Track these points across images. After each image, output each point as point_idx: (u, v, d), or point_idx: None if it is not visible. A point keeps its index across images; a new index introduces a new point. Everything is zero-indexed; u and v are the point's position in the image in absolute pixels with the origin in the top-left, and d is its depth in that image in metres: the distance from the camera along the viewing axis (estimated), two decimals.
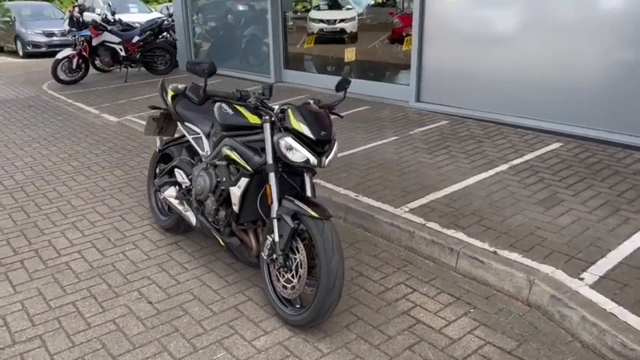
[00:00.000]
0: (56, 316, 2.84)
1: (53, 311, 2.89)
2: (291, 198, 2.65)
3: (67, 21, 10.46)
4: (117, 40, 10.39)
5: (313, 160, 2.59)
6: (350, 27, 8.60)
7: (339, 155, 5.06)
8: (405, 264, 3.34)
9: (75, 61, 10.31)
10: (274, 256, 2.69)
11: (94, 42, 10.22)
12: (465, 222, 3.55)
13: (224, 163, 2.94)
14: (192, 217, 3.34)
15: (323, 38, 8.75)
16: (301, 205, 2.58)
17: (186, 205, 3.41)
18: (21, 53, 16.25)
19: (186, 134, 3.43)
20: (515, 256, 3.10)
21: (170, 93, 3.58)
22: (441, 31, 6.40)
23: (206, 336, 2.65)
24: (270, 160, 2.69)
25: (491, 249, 3.18)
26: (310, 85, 8.51)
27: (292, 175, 2.84)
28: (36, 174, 5.24)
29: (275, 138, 2.64)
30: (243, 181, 2.82)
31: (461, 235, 3.37)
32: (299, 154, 2.58)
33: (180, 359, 2.47)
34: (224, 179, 2.95)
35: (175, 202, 3.50)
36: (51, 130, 7.05)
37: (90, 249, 3.62)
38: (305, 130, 2.59)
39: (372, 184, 4.31)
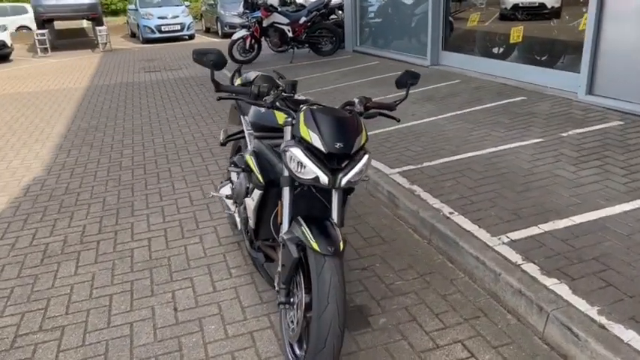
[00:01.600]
0: (88, 308, 2.82)
1: (89, 302, 2.89)
2: (301, 220, 2.14)
3: (242, 3, 11.01)
4: (285, 21, 10.60)
5: (324, 179, 2.05)
6: (552, 0, 7.26)
7: (455, 158, 4.27)
8: (477, 315, 2.58)
9: (248, 41, 10.85)
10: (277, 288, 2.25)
11: (265, 23, 10.58)
12: (577, 270, 2.61)
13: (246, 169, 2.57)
14: (238, 221, 3.05)
15: (509, 15, 7.56)
16: (306, 230, 2.06)
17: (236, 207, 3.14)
18: (220, 34, 17.87)
19: (245, 128, 3.13)
20: (632, 335, 2.14)
21: (237, 81, 3.30)
22: (629, 3, 4.97)
23: None
24: (285, 172, 2.22)
25: (599, 319, 2.25)
26: (470, 69, 7.53)
27: (324, 192, 2.34)
28: (165, 152, 5.52)
29: (282, 146, 2.16)
30: (257, 194, 2.41)
31: (562, 289, 2.47)
32: (306, 169, 2.06)
33: None
34: (249, 187, 2.58)
35: (229, 202, 3.25)
36: (203, 109, 7.45)
37: (160, 237, 3.60)
38: (315, 139, 2.05)
39: (478, 199, 3.50)
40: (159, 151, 5.57)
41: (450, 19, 8.23)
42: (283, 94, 2.36)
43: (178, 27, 16.98)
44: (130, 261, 3.31)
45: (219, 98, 2.37)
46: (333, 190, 2.24)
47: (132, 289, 2.98)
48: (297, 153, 2.07)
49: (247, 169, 2.54)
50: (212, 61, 2.25)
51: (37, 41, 14.57)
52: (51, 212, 4.11)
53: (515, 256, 2.78)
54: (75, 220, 3.95)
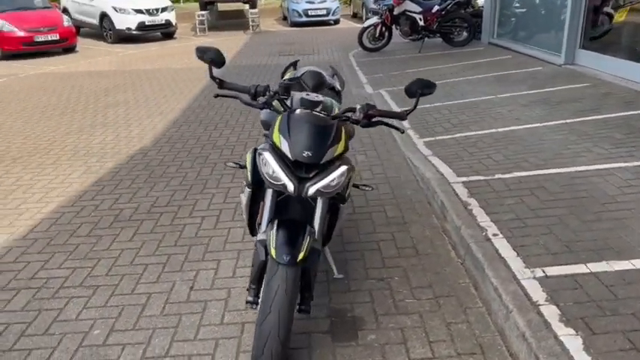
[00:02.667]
0: (124, 273, 3.13)
1: (128, 267, 3.19)
2: (275, 224, 2.13)
3: None
4: (417, 9, 10.29)
5: (290, 186, 2.01)
6: None
7: (534, 173, 3.84)
8: (474, 352, 2.34)
9: (378, 29, 10.76)
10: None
11: (396, 11, 10.39)
12: (605, 324, 2.22)
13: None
14: None
15: None
16: (272, 235, 2.05)
17: None
18: (364, 19, 17.91)
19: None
20: None
21: (287, 75, 3.33)
22: None
23: None
24: None
25: None
26: (607, 72, 6.62)
27: (311, 198, 2.29)
28: (258, 135, 5.79)
29: (258, 150, 2.15)
30: (247, 192, 2.43)
31: (573, 343, 2.13)
32: (274, 175, 2.03)
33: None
34: None
35: None
36: None
37: (212, 217, 3.83)
38: (284, 145, 2.02)
39: (534, 223, 3.13)
40: (253, 134, 5.86)
41: (608, 11, 7.22)
42: (277, 95, 2.34)
43: (324, 11, 17.40)
44: (178, 235, 3.58)
45: (217, 95, 2.44)
46: (319, 197, 2.21)
47: (166, 262, 3.24)
48: (268, 158, 2.06)
49: (243, 166, 2.58)
50: (211, 58, 2.31)
51: (197, 21, 16.05)
52: (138, 181, 4.59)
53: (539, 294, 2.46)
54: (153, 190, 4.37)
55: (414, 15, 10.30)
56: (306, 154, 2.01)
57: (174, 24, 15.27)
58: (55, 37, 12.50)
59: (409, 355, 2.34)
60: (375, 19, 10.73)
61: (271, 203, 2.23)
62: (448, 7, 10.20)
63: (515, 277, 2.62)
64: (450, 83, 7.26)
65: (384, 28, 10.73)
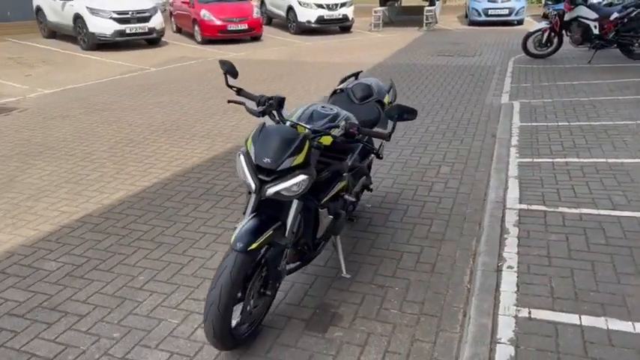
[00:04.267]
0: (213, 233, 3.78)
1: (214, 229, 3.84)
2: (250, 216, 2.49)
3: None
4: (592, 15, 9.33)
5: (251, 186, 2.35)
6: None
7: (610, 213, 3.49)
8: None
9: (546, 34, 10.04)
10: None
11: (567, 16, 9.58)
12: None
13: None
14: None
15: None
16: (241, 225, 2.42)
17: None
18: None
19: None
20: None
21: (341, 85, 3.58)
22: None
23: None
24: None
25: None
26: None
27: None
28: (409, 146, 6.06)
29: (238, 152, 2.50)
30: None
31: None
32: (242, 175, 2.38)
33: None
34: None
35: None
36: (446, 104, 7.58)
37: None
38: (251, 150, 2.35)
39: (562, 264, 2.95)
40: None
41: None
42: (270, 107, 2.65)
43: (506, 11, 16.52)
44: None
45: (229, 101, 2.82)
46: (294, 200, 2.51)
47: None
48: (239, 160, 2.42)
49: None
50: (226, 70, 2.71)
51: (373, 17, 16.63)
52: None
53: (506, 333, 2.42)
54: None
55: (588, 22, 9.37)
56: (266, 160, 2.33)
57: (350, 18, 16.06)
58: (245, 26, 14.19)
59: (360, 357, 2.53)
60: (543, 24, 10.03)
61: (253, 200, 2.58)
62: (631, 15, 9.05)
63: (495, 312, 2.58)
64: (593, 102, 6.60)
65: (552, 34, 9.97)
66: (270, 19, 17.76)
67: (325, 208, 2.69)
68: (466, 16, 19.23)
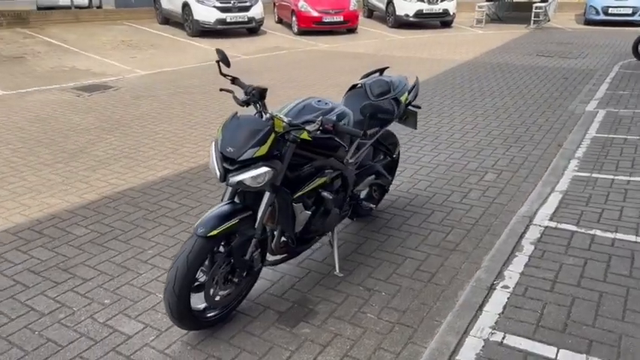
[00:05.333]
0: None
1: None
2: (226, 203, 2.54)
3: None
4: None
5: (216, 173, 2.40)
6: None
7: (635, 239, 3.08)
8: None
9: None
10: None
11: None
12: None
13: None
14: None
15: None
16: (211, 210, 2.48)
17: None
18: None
19: None
20: None
21: (359, 81, 3.49)
22: None
23: None
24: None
25: None
26: None
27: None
28: (462, 149, 5.83)
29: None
30: None
31: None
32: (210, 163, 2.42)
33: None
34: None
35: None
36: (512, 109, 7.09)
37: None
38: (219, 139, 2.38)
39: (565, 291, 2.67)
40: (455, 147, 5.96)
41: None
42: (252, 98, 2.65)
43: (629, 10, 14.89)
44: None
45: (221, 89, 2.85)
46: (265, 192, 2.53)
47: None
48: (212, 147, 2.47)
49: None
50: (220, 59, 2.75)
51: (476, 12, 15.86)
52: None
53: (467, 356, 2.25)
54: None
55: None
56: (229, 149, 2.36)
57: (452, 13, 15.47)
58: (340, 18, 14.26)
59: (317, 357, 2.49)
60: None
61: (232, 190, 2.62)
62: None
63: (467, 332, 2.41)
64: None
65: None
66: (371, 12, 17.65)
67: (300, 203, 2.67)
68: (584, 14, 17.69)
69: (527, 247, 3.15)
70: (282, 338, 2.62)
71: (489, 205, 4.02)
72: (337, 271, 3.09)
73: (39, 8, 17.72)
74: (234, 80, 2.78)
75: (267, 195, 2.54)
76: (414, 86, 3.61)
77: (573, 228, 3.36)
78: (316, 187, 2.72)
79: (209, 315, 2.63)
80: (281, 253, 2.89)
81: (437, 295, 2.93)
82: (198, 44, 12.73)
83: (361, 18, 16.38)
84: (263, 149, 2.36)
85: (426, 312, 2.79)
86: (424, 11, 15.18)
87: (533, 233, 3.32)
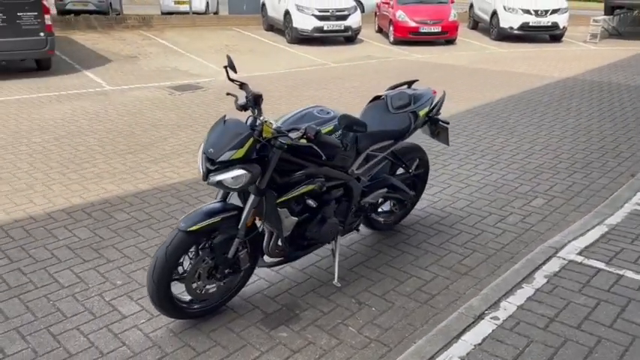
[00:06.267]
0: None
1: None
2: (217, 201, 2.67)
3: None
4: None
5: (200, 172, 2.52)
6: None
7: None
8: None
9: None
10: None
11: None
12: None
13: None
14: None
15: None
16: (198, 207, 2.61)
17: None
18: None
19: None
20: None
21: (384, 92, 3.44)
22: None
23: None
24: None
25: None
26: None
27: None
28: (519, 171, 5.55)
29: None
30: None
31: None
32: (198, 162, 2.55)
33: None
34: None
35: None
36: (594, 129, 6.49)
37: None
38: (205, 139, 2.50)
39: (560, 331, 2.45)
40: (512, 167, 5.69)
41: None
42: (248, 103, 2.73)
43: None
44: None
45: (227, 94, 2.94)
46: (251, 194, 2.62)
47: None
48: (200, 148, 2.60)
49: None
50: (228, 65, 2.85)
51: (590, 26, 14.64)
52: None
53: None
54: None
55: None
56: (210, 150, 2.47)
57: (562, 27, 14.47)
58: (438, 29, 13.96)
59: None
60: None
61: (221, 191, 2.75)
62: None
63: (432, 359, 2.30)
64: None
65: None
66: (476, 24, 17.06)
67: (285, 208, 2.72)
68: None
69: (539, 280, 2.91)
70: (258, 338, 2.69)
71: (524, 232, 3.76)
72: (335, 280, 3.09)
73: (162, 13, 19.47)
74: (242, 85, 2.90)
75: (251, 197, 2.63)
76: (440, 101, 3.50)
77: (601, 265, 3.05)
78: (302, 194, 2.75)
79: (195, 307, 2.77)
80: (276, 256, 2.96)
81: (427, 318, 2.82)
82: (294, 51, 13.17)
83: (464, 29, 15.92)
84: (240, 152, 2.46)
85: (409, 333, 2.70)
86: (530, 24, 14.35)
87: (552, 266, 3.06)
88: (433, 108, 3.43)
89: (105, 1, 17.83)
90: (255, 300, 3.00)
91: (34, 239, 3.68)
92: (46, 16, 9.24)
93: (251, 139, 2.49)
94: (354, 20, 14.03)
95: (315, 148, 2.60)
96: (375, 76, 10.06)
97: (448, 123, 3.62)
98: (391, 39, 14.43)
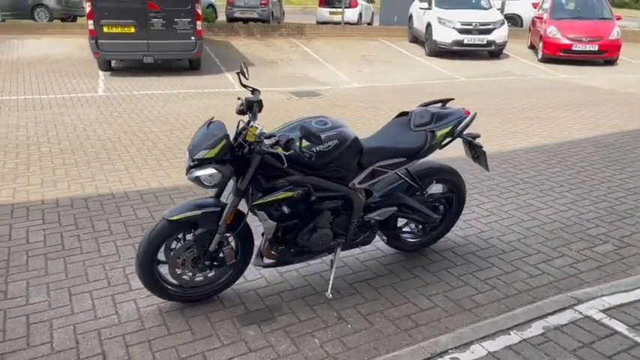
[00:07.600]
0: None
1: None
2: (205, 197, 2.86)
3: None
4: None
5: (185, 167, 2.70)
6: None
7: None
8: None
9: None
10: None
11: None
12: None
13: None
14: None
15: None
16: (187, 200, 2.83)
17: None
18: None
19: None
20: None
21: (415, 108, 3.30)
22: None
23: None
24: None
25: None
26: None
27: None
28: (605, 210, 4.98)
29: None
30: None
31: None
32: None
33: None
34: None
35: None
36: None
37: None
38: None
39: None
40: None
41: None
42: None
43: None
44: None
45: (239, 98, 3.04)
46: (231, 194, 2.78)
47: None
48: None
49: None
50: (240, 71, 2.98)
51: None
52: None
53: None
54: None
55: None
56: (189, 147, 2.67)
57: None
58: (594, 47, 12.59)
59: (236, 357, 2.60)
60: None
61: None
62: None
63: None
64: None
65: None
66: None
67: (262, 212, 2.79)
68: None
69: (534, 330, 2.57)
70: (226, 332, 2.81)
71: (564, 278, 3.33)
72: (328, 292, 3.08)
73: (318, 23, 20.51)
74: (254, 91, 3.05)
75: (230, 197, 2.77)
76: (465, 121, 3.27)
77: (621, 328, 2.58)
78: (278, 199, 2.80)
79: (178, 292, 2.99)
80: (270, 257, 3.05)
81: (398, 346, 2.68)
82: (429, 63, 12.95)
83: (628, 49, 14.11)
84: (211, 152, 2.61)
85: (370, 356, 2.60)
86: None
87: (560, 318, 2.67)
88: (456, 128, 3.22)
89: (267, 10, 19.40)
90: (245, 296, 3.13)
91: (104, 213, 4.26)
92: (198, 22, 10.41)
93: (224, 142, 2.63)
94: (499, 35, 13.32)
95: (283, 157, 2.65)
96: (499, 93, 9.48)
97: (481, 147, 3.36)
98: (539, 56, 13.40)
